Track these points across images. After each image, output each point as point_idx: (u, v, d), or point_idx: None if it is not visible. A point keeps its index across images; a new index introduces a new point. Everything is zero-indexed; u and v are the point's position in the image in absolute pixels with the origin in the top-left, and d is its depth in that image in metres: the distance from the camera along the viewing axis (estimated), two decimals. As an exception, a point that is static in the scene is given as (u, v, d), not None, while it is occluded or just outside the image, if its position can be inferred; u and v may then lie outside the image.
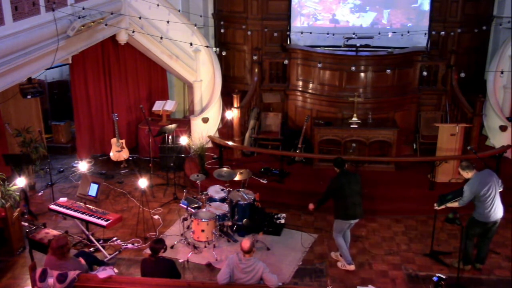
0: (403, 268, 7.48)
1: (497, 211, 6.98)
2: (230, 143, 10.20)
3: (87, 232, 7.90)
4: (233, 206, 8.13)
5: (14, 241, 7.69)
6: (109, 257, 7.66)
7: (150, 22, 10.22)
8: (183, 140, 10.05)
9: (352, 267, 7.40)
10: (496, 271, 7.36)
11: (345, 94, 10.45)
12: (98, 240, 7.86)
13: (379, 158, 10.03)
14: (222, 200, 8.25)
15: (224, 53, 11.24)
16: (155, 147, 10.51)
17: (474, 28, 11.83)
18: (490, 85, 10.74)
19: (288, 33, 11.88)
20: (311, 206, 7.46)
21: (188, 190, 8.96)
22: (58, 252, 5.96)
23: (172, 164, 9.96)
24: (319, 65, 10.40)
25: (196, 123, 10.96)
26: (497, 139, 10.45)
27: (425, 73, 10.85)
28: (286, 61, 11.00)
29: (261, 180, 9.60)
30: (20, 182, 8.20)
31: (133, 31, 9.59)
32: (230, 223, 8.07)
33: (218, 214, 7.86)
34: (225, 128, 11.36)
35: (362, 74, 10.54)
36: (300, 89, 11.01)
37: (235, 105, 10.28)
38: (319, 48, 11.13)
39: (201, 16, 11.89)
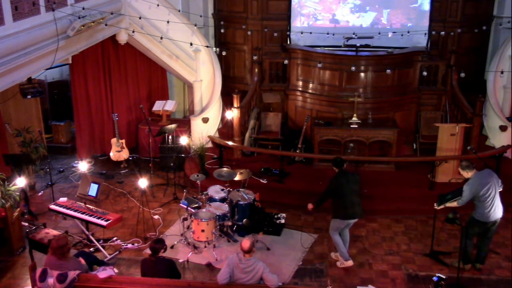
0: (403, 268, 7.48)
1: (497, 211, 6.99)
2: (230, 143, 10.20)
3: (87, 232, 7.90)
4: (233, 206, 8.13)
5: (14, 241, 7.69)
6: (109, 257, 7.66)
7: (150, 22, 10.23)
8: (183, 140, 10.05)
9: (350, 263, 7.42)
10: (496, 271, 7.36)
11: (345, 94, 10.45)
12: (98, 240, 7.86)
13: (379, 158, 10.03)
14: (222, 200, 8.25)
15: (224, 53, 11.24)
16: (155, 147, 10.51)
17: (474, 28, 11.82)
18: (490, 85, 10.74)
19: (288, 33, 11.87)
20: (310, 206, 7.48)
21: (188, 190, 8.96)
22: (58, 252, 5.96)
23: (172, 164, 9.96)
24: (319, 65, 10.40)
25: (196, 123, 10.96)
26: (497, 139, 10.45)
27: (425, 73, 10.85)
28: (286, 61, 11.01)
29: (261, 180, 9.60)
30: (20, 182, 8.20)
31: (133, 31, 9.59)
32: (230, 223, 8.07)
33: (218, 214, 7.86)
34: (225, 128, 11.36)
35: (362, 74, 10.54)
36: (300, 89, 11.01)
37: (235, 105, 10.28)
38: (319, 48, 11.13)
39: (201, 16, 11.89)
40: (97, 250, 7.74)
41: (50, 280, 5.87)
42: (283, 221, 8.46)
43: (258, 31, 12.21)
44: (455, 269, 6.99)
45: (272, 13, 12.14)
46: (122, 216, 8.00)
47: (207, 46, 10.71)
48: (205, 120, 10.94)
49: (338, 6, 11.68)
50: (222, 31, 12.44)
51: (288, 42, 11.79)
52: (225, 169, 8.90)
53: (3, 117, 9.79)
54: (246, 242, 5.97)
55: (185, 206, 8.04)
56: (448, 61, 10.96)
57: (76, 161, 10.69)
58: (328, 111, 10.67)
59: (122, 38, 9.89)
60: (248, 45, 12.41)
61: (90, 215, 7.65)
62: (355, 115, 10.11)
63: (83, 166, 9.07)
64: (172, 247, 7.79)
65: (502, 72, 9.80)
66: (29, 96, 8.74)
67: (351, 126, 10.00)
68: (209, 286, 6.26)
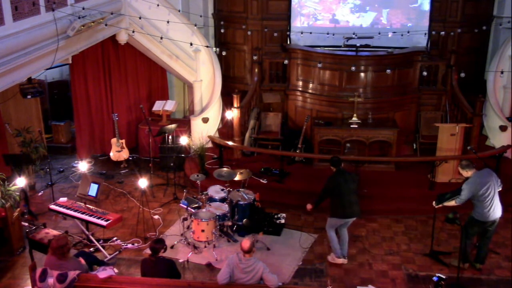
0: (403, 268, 7.48)
1: (496, 210, 6.99)
2: (230, 143, 10.20)
3: (87, 232, 7.90)
4: (233, 206, 8.13)
5: (14, 241, 7.69)
6: (109, 257, 7.66)
7: (150, 22, 10.22)
8: (183, 140, 10.05)
9: (340, 261, 7.47)
10: (496, 271, 7.36)
11: (345, 94, 10.45)
12: (98, 240, 7.86)
13: (379, 158, 10.03)
14: (222, 200, 8.25)
15: (224, 53, 11.24)
16: (155, 147, 10.51)
17: (474, 28, 11.82)
18: (490, 85, 10.74)
19: (288, 33, 11.87)
20: (309, 206, 7.50)
21: (188, 190, 8.96)
22: (58, 252, 5.96)
23: (172, 164, 9.96)
24: (319, 65, 10.40)
25: (196, 123, 10.96)
26: (497, 139, 10.45)
27: (425, 73, 10.85)
28: (286, 61, 11.01)
29: (261, 180, 9.60)
30: (20, 182, 8.20)
31: (133, 31, 9.59)
32: (230, 223, 8.07)
33: (218, 214, 7.86)
34: (225, 128, 11.36)
35: (362, 74, 10.54)
36: (300, 89, 11.01)
37: (235, 105, 10.28)
38: (319, 48, 11.13)
39: (201, 16, 11.89)
40: (97, 250, 7.74)
41: (50, 280, 5.87)
42: (283, 221, 8.47)
43: (258, 31, 12.21)
44: (455, 269, 6.99)
45: (272, 13, 12.14)
46: (122, 216, 8.00)
47: (207, 46, 10.71)
48: (205, 120, 10.94)
49: (338, 6, 11.68)
50: (222, 31, 12.44)
51: (288, 42, 11.79)
52: (225, 169, 8.90)
53: (3, 117, 9.79)
54: (246, 242, 5.98)
55: (185, 206, 8.04)
56: (448, 61, 10.96)
57: (76, 161, 10.69)
58: (328, 111, 10.67)
59: (122, 38, 9.89)
60: (248, 45, 12.40)
61: (90, 215, 7.65)
62: (355, 115, 10.11)
63: (83, 166, 9.07)
64: (172, 247, 7.79)
65: (502, 72, 9.80)
66: (29, 96, 8.73)
67: (351, 126, 10.00)
68: (209, 286, 6.26)
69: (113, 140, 10.43)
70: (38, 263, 6.28)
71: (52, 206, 8.02)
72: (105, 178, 9.83)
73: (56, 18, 7.44)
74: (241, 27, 12.30)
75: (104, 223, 7.49)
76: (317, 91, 10.80)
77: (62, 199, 8.14)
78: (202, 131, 10.78)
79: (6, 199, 7.59)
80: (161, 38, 9.44)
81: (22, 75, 7.25)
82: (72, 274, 5.91)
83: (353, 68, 10.15)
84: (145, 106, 11.17)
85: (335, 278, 7.21)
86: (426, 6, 11.42)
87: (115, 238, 8.10)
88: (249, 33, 12.14)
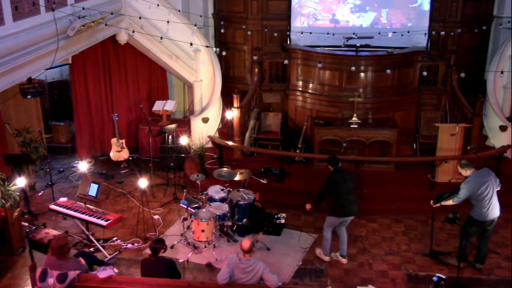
0: (403, 268, 7.48)
1: (494, 210, 6.99)
2: (230, 143, 10.20)
3: (87, 232, 7.90)
4: (233, 206, 8.13)
5: (14, 241, 7.69)
6: (109, 257, 7.66)
7: (150, 22, 10.22)
8: (183, 140, 10.05)
9: (327, 258, 7.55)
10: (496, 271, 7.36)
11: (345, 94, 10.45)
12: (98, 240, 7.86)
13: (379, 158, 10.03)
14: (222, 200, 8.25)
15: (224, 53, 11.24)
16: (155, 147, 10.51)
17: (474, 28, 11.82)
18: (490, 85, 10.74)
19: (288, 33, 11.88)
20: (308, 206, 7.51)
21: (188, 190, 8.96)
22: (58, 252, 5.96)
23: (172, 164, 9.96)
24: (319, 65, 10.40)
25: (196, 123, 10.96)
26: (497, 139, 10.45)
27: (425, 73, 10.85)
28: (286, 61, 11.01)
29: (261, 180, 9.60)
30: (20, 182, 8.20)
31: (133, 31, 9.59)
32: (230, 223, 8.07)
33: (218, 214, 7.86)
34: (225, 128, 11.36)
35: (362, 74, 10.54)
36: (300, 89, 11.01)
37: (235, 105, 10.28)
38: (319, 48, 11.13)
39: (201, 16, 11.89)
40: (97, 250, 7.74)
41: (50, 280, 5.87)
42: (283, 221, 8.47)
43: (258, 31, 12.22)
44: (455, 269, 6.99)
45: (272, 13, 12.14)
46: (122, 216, 8.00)
47: (207, 46, 10.70)
48: (205, 120, 10.94)
49: (338, 6, 11.68)
50: (222, 31, 12.44)
51: (288, 42, 11.79)
52: (225, 169, 8.90)
53: (3, 117, 9.79)
54: (246, 242, 5.98)
55: (185, 206, 8.04)
56: (448, 61, 10.96)
57: (76, 161, 10.69)
58: (328, 111, 10.67)
59: (122, 38, 9.89)
60: (248, 45, 12.41)
61: (90, 215, 7.65)
62: (355, 115, 10.11)
63: (83, 166, 9.07)
64: (172, 247, 7.79)
65: (502, 72, 9.80)
66: (29, 96, 8.73)
67: (351, 126, 10.00)
68: (209, 286, 6.26)
69: (113, 140, 10.43)
70: (38, 263, 6.28)
71: (52, 206, 8.02)
72: (105, 178, 9.83)
73: (56, 18, 7.44)
74: (241, 27, 12.31)
75: (104, 223, 7.49)
76: (317, 91, 10.80)
77: (62, 199, 8.14)
78: (202, 131, 10.78)
79: (6, 199, 7.59)
80: (161, 38, 9.43)
81: (22, 75, 7.25)
82: (72, 274, 5.91)
83: (353, 68, 10.15)
84: (145, 106, 11.17)
85: (335, 278, 7.21)
86: (426, 6, 11.43)
87: (115, 238, 8.10)
88: (249, 33, 12.15)
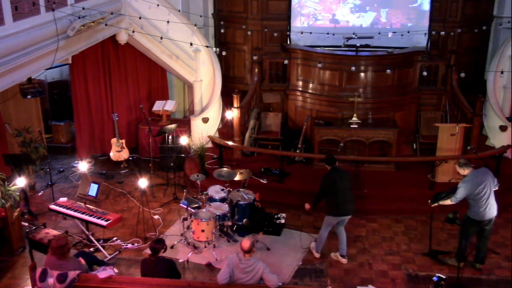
0: (403, 268, 7.48)
1: (492, 209, 6.99)
2: (230, 143, 10.20)
3: (87, 232, 7.90)
4: (233, 206, 8.13)
5: (14, 241, 7.70)
6: (109, 257, 7.66)
7: (150, 22, 10.22)
8: (183, 140, 10.05)
9: (317, 255, 7.63)
10: (496, 271, 7.37)
11: (345, 94, 10.45)
12: (98, 240, 7.86)
13: (379, 158, 10.02)
14: (222, 200, 8.25)
15: (224, 53, 11.23)
16: (155, 147, 10.51)
17: (474, 28, 11.82)
18: (490, 85, 10.74)
19: (288, 33, 11.88)
20: (307, 206, 7.52)
21: (188, 190, 8.96)
22: (58, 252, 5.96)
23: (172, 164, 9.96)
24: (319, 65, 10.40)
25: (196, 123, 10.95)
26: (497, 139, 10.45)
27: (425, 73, 10.85)
28: (286, 61, 11.00)
29: (261, 180, 9.60)
30: (20, 182, 8.20)
31: (133, 31, 9.59)
32: (230, 223, 8.07)
33: (218, 214, 7.86)
34: (225, 128, 11.35)
35: (362, 74, 10.54)
36: (300, 89, 11.01)
37: (235, 105, 10.28)
38: (319, 48, 11.13)
39: (201, 16, 11.89)
40: (97, 250, 7.74)
41: (50, 280, 5.87)
42: (283, 221, 8.47)
43: (258, 31, 12.22)
44: (455, 269, 6.99)
45: (272, 13, 12.14)
46: (122, 216, 8.00)
47: (207, 46, 10.70)
48: (205, 120, 10.94)
49: (338, 6, 11.68)
50: (222, 31, 12.44)
51: (288, 42, 11.79)
52: (225, 169, 8.90)
53: (3, 117, 9.79)
54: (246, 242, 5.98)
55: (185, 206, 8.04)
56: (448, 61, 10.96)
57: (76, 161, 10.69)
58: (328, 111, 10.67)
59: (122, 38, 9.89)
60: (248, 45, 12.41)
61: (90, 215, 7.65)
62: (355, 115, 10.10)
63: (83, 166, 9.06)
64: (172, 247, 7.79)
65: (502, 72, 9.79)
66: (29, 96, 8.73)
67: (351, 126, 10.00)
68: (209, 286, 6.26)
69: (113, 140, 10.43)
70: (38, 263, 6.28)
71: (52, 206, 8.02)
72: (105, 178, 9.83)
73: (56, 18, 7.44)
74: (241, 27, 12.31)
75: (104, 223, 7.49)
76: (317, 91, 10.79)
77: (62, 199, 8.14)
78: (202, 131, 10.78)
79: (6, 199, 7.59)
80: (161, 38, 9.43)
81: (22, 75, 7.25)
82: (72, 274, 5.91)
83: (353, 68, 10.15)
84: (145, 106, 11.17)
85: (335, 278, 7.21)
86: (426, 6, 11.43)
87: (115, 238, 8.10)
88: (249, 33, 12.15)
